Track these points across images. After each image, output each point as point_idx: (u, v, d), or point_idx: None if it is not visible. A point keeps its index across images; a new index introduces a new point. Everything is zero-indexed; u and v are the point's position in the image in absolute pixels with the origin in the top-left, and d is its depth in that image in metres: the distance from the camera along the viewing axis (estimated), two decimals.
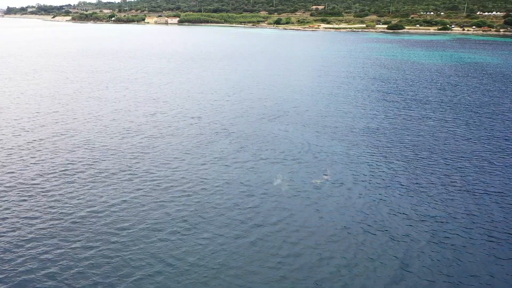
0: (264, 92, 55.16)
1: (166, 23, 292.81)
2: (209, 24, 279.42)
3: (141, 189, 25.72)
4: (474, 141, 35.61)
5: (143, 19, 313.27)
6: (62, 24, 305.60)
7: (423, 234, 21.19)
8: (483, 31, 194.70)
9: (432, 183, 27.15)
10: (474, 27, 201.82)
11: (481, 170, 29.38)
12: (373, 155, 32.00)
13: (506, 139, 36.15)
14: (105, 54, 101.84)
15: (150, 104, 47.78)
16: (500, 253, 19.76)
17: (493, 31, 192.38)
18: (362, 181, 27.34)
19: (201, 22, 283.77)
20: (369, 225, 21.89)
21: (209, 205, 23.74)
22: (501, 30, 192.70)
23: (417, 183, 27.13)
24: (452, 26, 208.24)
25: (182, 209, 23.23)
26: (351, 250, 19.76)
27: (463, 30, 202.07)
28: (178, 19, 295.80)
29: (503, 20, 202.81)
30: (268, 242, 20.30)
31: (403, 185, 26.78)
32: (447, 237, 20.91)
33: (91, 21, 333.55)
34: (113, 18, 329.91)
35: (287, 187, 26.20)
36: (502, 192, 25.97)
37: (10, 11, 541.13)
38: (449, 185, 26.87)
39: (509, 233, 21.40)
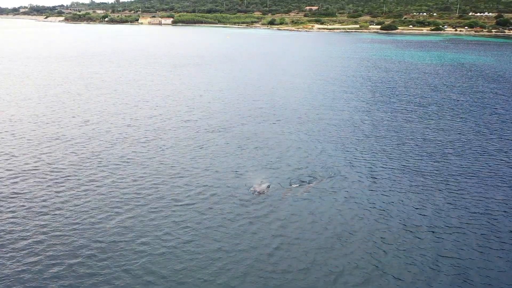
0: (261, 93, 55.13)
1: (160, 23, 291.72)
2: (203, 24, 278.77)
3: (131, 193, 25.55)
4: (471, 141, 35.88)
5: (137, 20, 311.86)
6: (56, 25, 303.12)
7: (422, 242, 21.08)
8: (475, 31, 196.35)
9: (430, 186, 27.28)
10: (466, 27, 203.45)
11: (481, 171, 29.61)
12: (370, 157, 32.09)
13: (502, 139, 36.53)
14: (104, 55, 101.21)
15: (144, 107, 47.56)
16: (506, 260, 19.78)
17: (485, 32, 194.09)
18: (359, 185, 27.35)
19: (195, 23, 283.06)
20: (366, 232, 21.82)
21: (202, 211, 23.65)
22: (493, 30, 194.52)
23: (414, 186, 27.26)
24: (445, 26, 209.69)
25: (174, 214, 23.12)
26: (347, 258, 19.60)
27: (456, 30, 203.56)
28: (172, 19, 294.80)
29: (495, 21, 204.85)
30: (262, 249, 20.23)
31: (400, 187, 26.91)
32: (448, 246, 20.80)
33: (84, 22, 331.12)
34: (106, 19, 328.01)
35: (283, 192, 26.18)
36: (506, 196, 26.15)
37: (2, 11, 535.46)
38: (449, 189, 27.04)
39: None
